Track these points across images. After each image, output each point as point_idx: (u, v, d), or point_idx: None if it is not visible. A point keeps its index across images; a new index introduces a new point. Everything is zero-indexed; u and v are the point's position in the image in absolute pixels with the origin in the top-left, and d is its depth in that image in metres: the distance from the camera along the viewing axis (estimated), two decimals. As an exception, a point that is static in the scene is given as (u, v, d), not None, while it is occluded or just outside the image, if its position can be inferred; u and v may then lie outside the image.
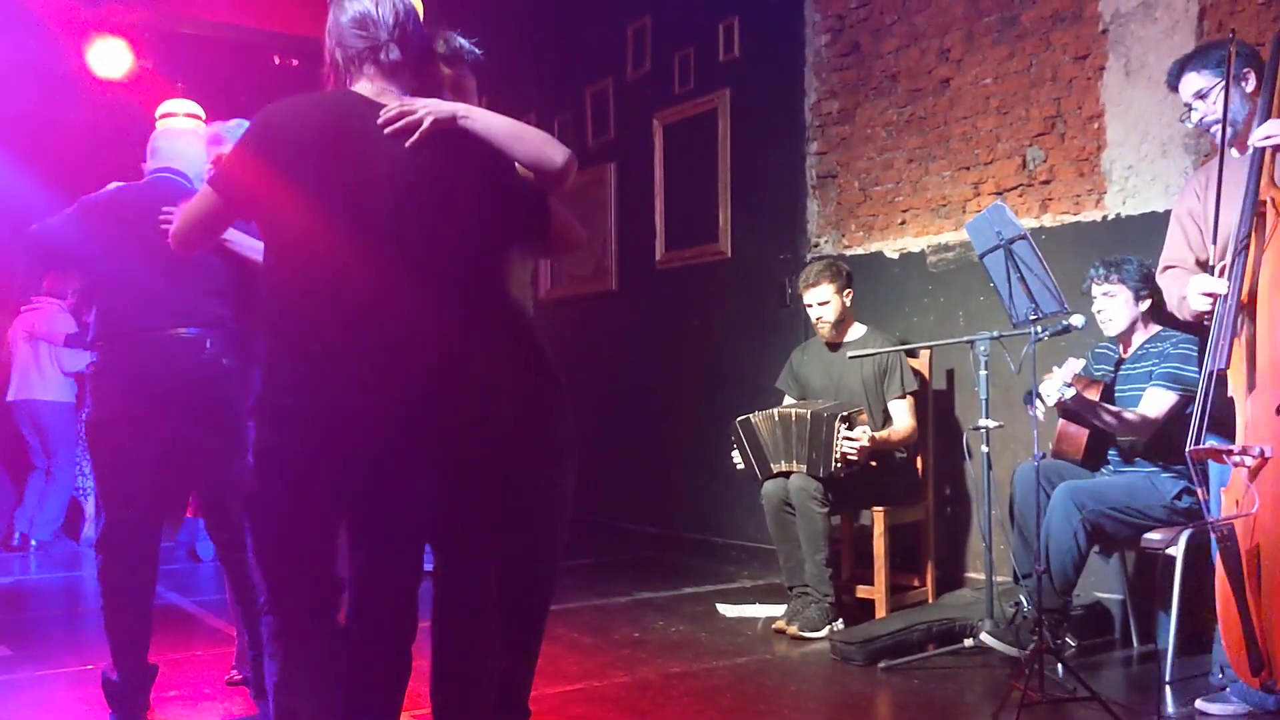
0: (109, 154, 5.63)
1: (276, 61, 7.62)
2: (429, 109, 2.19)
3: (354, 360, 2.13)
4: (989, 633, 3.71)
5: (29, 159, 6.59)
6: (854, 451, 4.15)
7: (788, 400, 4.68)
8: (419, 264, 2.17)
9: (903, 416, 4.45)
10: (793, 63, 5.56)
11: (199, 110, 3.63)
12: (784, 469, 4.34)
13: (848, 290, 4.54)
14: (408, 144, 2.16)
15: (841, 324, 4.56)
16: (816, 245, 5.46)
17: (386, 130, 2.16)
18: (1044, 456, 3.60)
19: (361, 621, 2.25)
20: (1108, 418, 3.65)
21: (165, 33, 6.78)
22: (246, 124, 2.38)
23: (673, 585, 5.23)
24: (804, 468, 4.24)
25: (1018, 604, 3.77)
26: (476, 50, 2.50)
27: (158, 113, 3.62)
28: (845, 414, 4.18)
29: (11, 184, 6.38)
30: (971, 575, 4.69)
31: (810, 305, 4.55)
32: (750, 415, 4.44)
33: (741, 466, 4.48)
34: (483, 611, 2.39)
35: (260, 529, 2.23)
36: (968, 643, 3.81)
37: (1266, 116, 2.89)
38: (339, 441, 2.16)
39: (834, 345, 4.60)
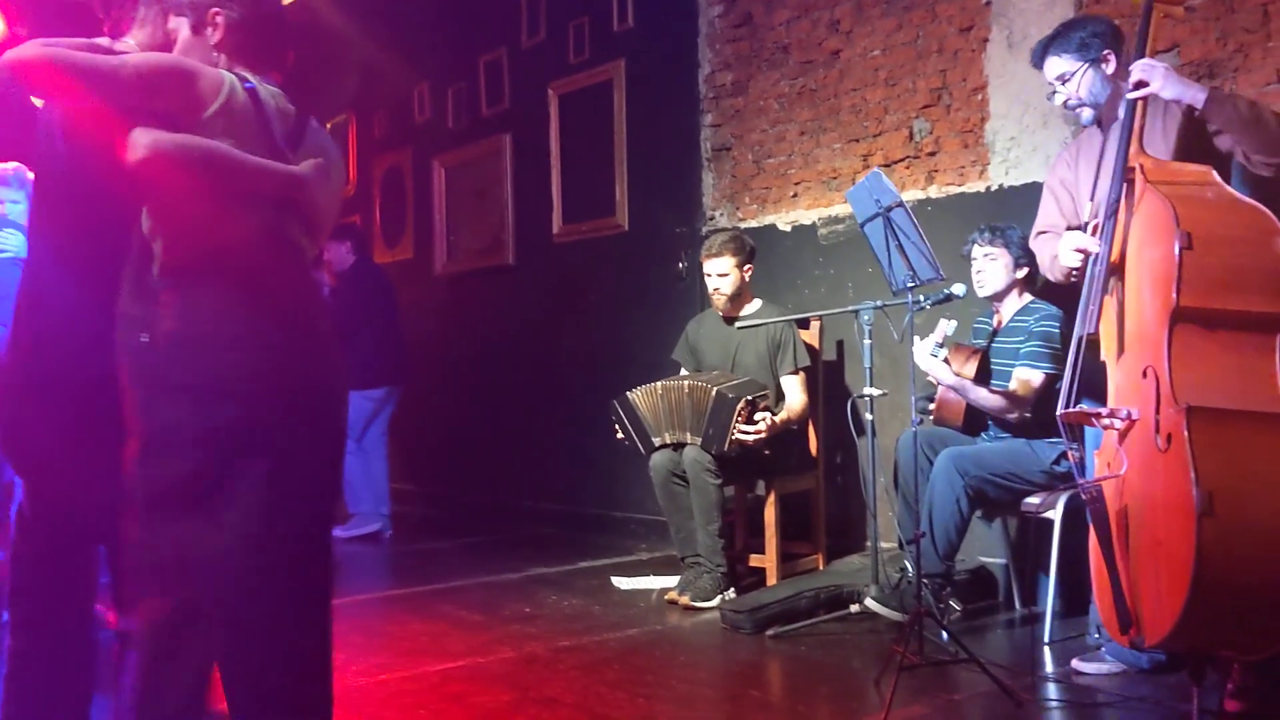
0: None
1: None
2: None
3: None
4: (874, 598, 3.75)
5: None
6: (750, 437, 4.15)
7: (683, 372, 4.66)
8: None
9: (795, 392, 4.45)
10: (686, 33, 5.53)
11: None
12: (674, 440, 4.32)
13: (748, 266, 4.53)
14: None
15: (738, 298, 4.55)
16: (712, 218, 5.44)
17: None
18: (921, 423, 3.65)
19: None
20: (977, 397, 3.73)
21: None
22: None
23: (568, 560, 5.20)
24: (698, 440, 4.22)
25: (903, 569, 3.82)
26: None
27: None
28: (750, 398, 4.17)
29: None
30: (862, 543, 4.74)
31: (710, 275, 4.53)
32: (629, 392, 4.43)
33: (627, 442, 4.47)
34: None
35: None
36: (854, 609, 3.85)
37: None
38: None
39: (729, 319, 4.59)
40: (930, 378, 3.85)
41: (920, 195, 4.53)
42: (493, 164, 6.73)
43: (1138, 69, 2.87)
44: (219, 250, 2.05)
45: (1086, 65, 3.13)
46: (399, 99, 7.49)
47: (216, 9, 2.19)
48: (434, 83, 7.19)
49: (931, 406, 3.94)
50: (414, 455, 7.52)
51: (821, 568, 4.57)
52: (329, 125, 8.11)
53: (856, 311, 3.79)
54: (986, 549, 4.23)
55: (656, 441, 4.39)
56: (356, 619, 4.07)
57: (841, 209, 4.83)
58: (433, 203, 7.25)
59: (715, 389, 4.18)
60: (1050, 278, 3.32)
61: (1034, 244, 3.40)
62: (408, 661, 3.49)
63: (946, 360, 3.78)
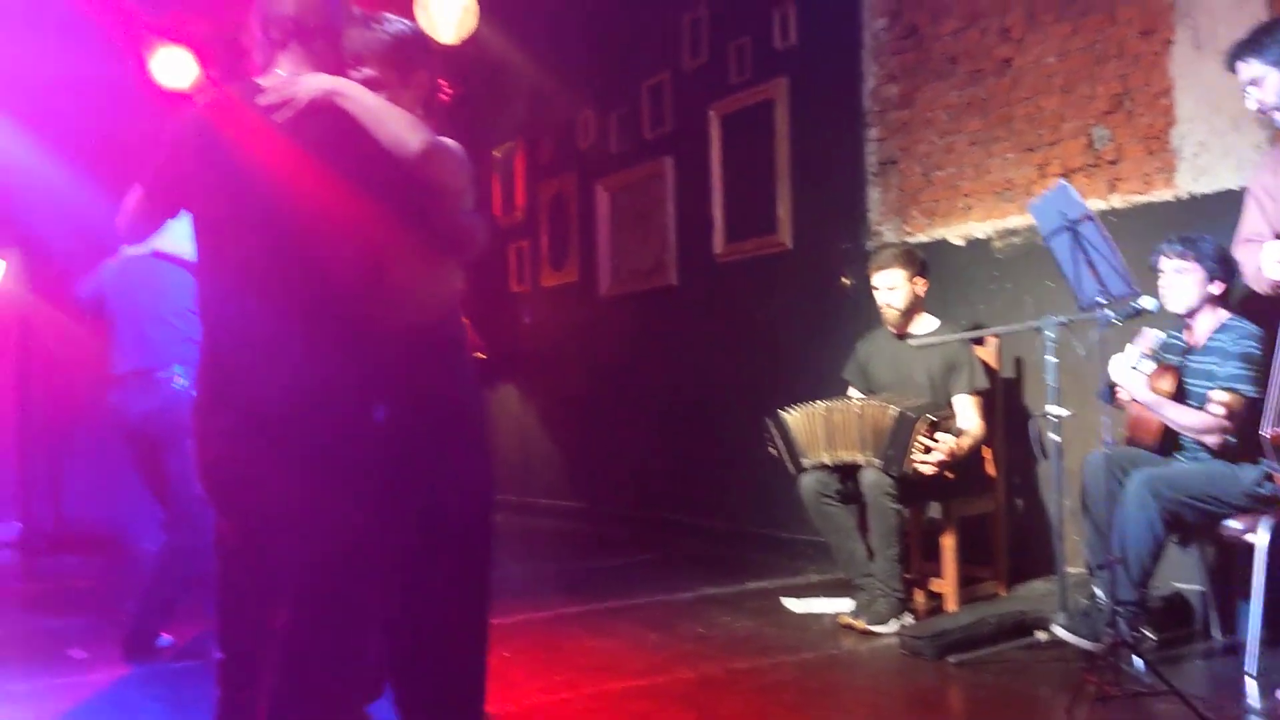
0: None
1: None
2: (305, 85, 2.19)
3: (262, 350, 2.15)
4: (1062, 625, 3.60)
5: (93, 170, 6.73)
6: (932, 458, 4.06)
7: (852, 391, 4.60)
8: (312, 242, 2.17)
9: (970, 415, 4.32)
10: (850, 48, 5.48)
11: None
12: (836, 460, 4.27)
13: (920, 279, 4.44)
14: (278, 118, 2.15)
15: (910, 313, 4.47)
16: (878, 233, 5.37)
17: (262, 104, 2.17)
18: (1113, 443, 3.50)
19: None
20: (1175, 416, 3.55)
21: (229, 42, 6.86)
22: None
23: (738, 580, 5.18)
24: (876, 461, 4.15)
25: (1092, 596, 3.67)
26: (384, 38, 2.46)
27: None
28: (932, 418, 4.07)
29: (77, 195, 6.53)
30: (1045, 568, 4.57)
31: (878, 289, 4.46)
32: (783, 410, 4.40)
33: (779, 459, 4.45)
34: None
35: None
36: (1040, 636, 3.72)
37: None
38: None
39: (901, 336, 4.50)
40: (1124, 393, 3.67)
41: (1102, 205, 4.36)
42: (655, 186, 6.80)
43: None
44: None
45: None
46: (564, 125, 7.65)
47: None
48: (597, 108, 7.31)
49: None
50: (581, 473, 7.65)
51: (1003, 593, 4.43)
52: (497, 153, 8.34)
53: (1039, 328, 3.66)
54: (1181, 575, 4.02)
55: (806, 462, 4.34)
56: (535, 636, 4.15)
57: (1017, 220, 4.70)
58: (596, 226, 7.36)
59: (895, 408, 4.11)
60: (1255, 288, 3.14)
61: (1237, 252, 3.22)
62: (588, 679, 3.54)
63: (1147, 375, 3.61)
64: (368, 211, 2.19)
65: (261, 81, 2.25)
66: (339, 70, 2.35)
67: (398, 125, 2.20)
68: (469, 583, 2.50)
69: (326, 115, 2.17)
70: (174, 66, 6.93)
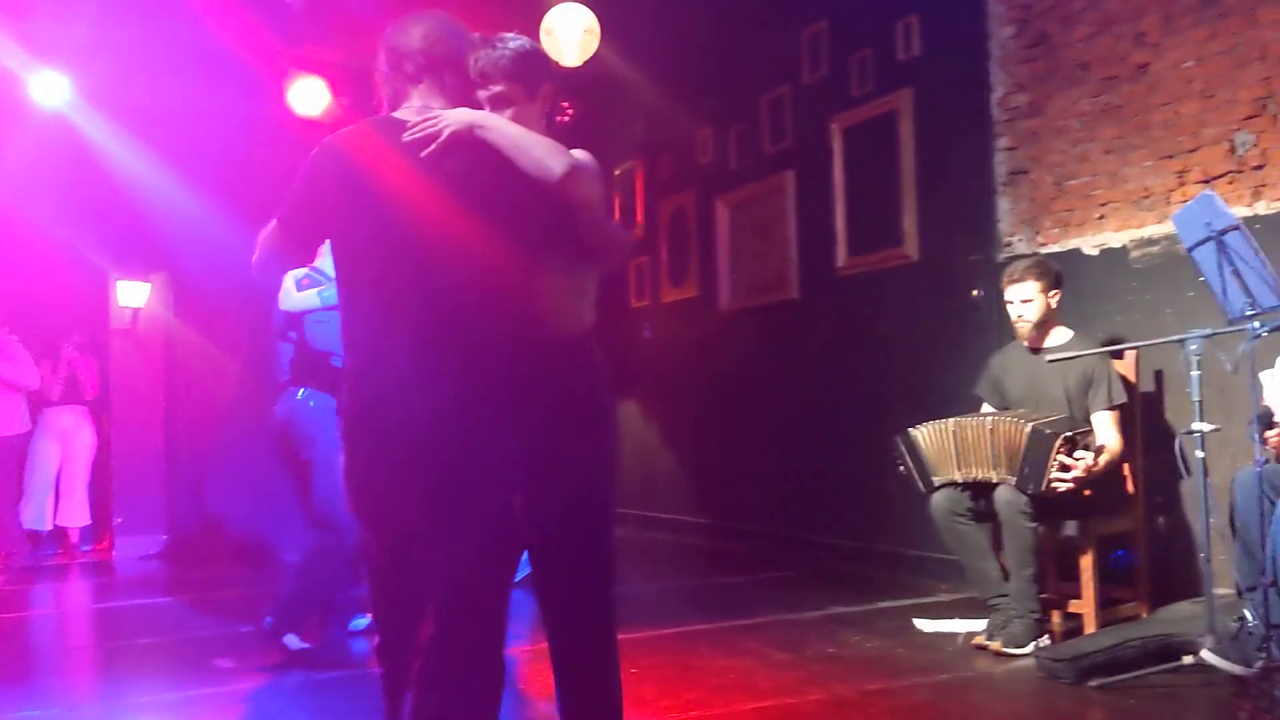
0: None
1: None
2: (448, 120, 2.23)
3: (423, 367, 2.19)
4: (1211, 649, 3.46)
5: (232, 196, 7.02)
6: (1069, 476, 3.96)
7: (986, 408, 4.51)
8: (451, 271, 2.21)
9: (1107, 431, 4.19)
10: (977, 57, 5.39)
11: None
12: (967, 478, 4.19)
13: (1054, 291, 4.33)
14: (423, 154, 2.20)
15: (1044, 326, 4.36)
16: (1009, 244, 5.26)
17: (405, 140, 2.22)
18: (1266, 462, 3.36)
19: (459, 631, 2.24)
20: None
21: (359, 71, 7.09)
22: None
23: (867, 599, 5.12)
24: (1010, 478, 4.06)
25: (1242, 618, 3.52)
26: (507, 55, 2.50)
27: None
28: (1069, 434, 3.97)
29: (217, 222, 6.81)
30: (1188, 589, 4.40)
31: (1011, 302, 4.37)
32: (913, 428, 4.35)
33: (909, 478, 4.40)
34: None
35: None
36: (1187, 660, 3.59)
37: None
38: (430, 450, 2.19)
39: (1035, 349, 4.40)
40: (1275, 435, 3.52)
41: (1246, 212, 4.20)
42: (775, 200, 6.78)
43: None
44: None
45: None
46: (683, 143, 7.69)
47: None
48: (716, 125, 7.34)
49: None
50: (703, 489, 7.65)
51: (1144, 615, 4.28)
52: (617, 171, 8.42)
53: (1183, 341, 3.54)
54: (1339, 598, 3.83)
55: (937, 480, 4.27)
56: (665, 653, 4.17)
57: (1156, 229, 4.56)
58: (716, 241, 7.38)
59: (1029, 425, 4.01)
60: None
61: None
62: (720, 698, 3.54)
63: None
64: (508, 240, 2.25)
65: (399, 115, 2.32)
66: (468, 96, 2.42)
67: (540, 152, 2.26)
68: (599, 590, 2.59)
69: (469, 148, 2.24)
70: (309, 95, 7.21)
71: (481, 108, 2.44)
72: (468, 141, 2.24)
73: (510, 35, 2.56)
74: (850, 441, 6.15)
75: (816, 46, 6.41)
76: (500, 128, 2.28)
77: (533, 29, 5.85)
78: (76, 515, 7.90)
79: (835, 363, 6.32)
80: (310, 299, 4.38)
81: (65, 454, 7.85)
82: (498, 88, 2.49)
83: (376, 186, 2.24)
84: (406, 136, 2.23)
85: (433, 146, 2.21)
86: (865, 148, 6.05)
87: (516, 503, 2.27)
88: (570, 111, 7.88)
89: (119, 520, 8.02)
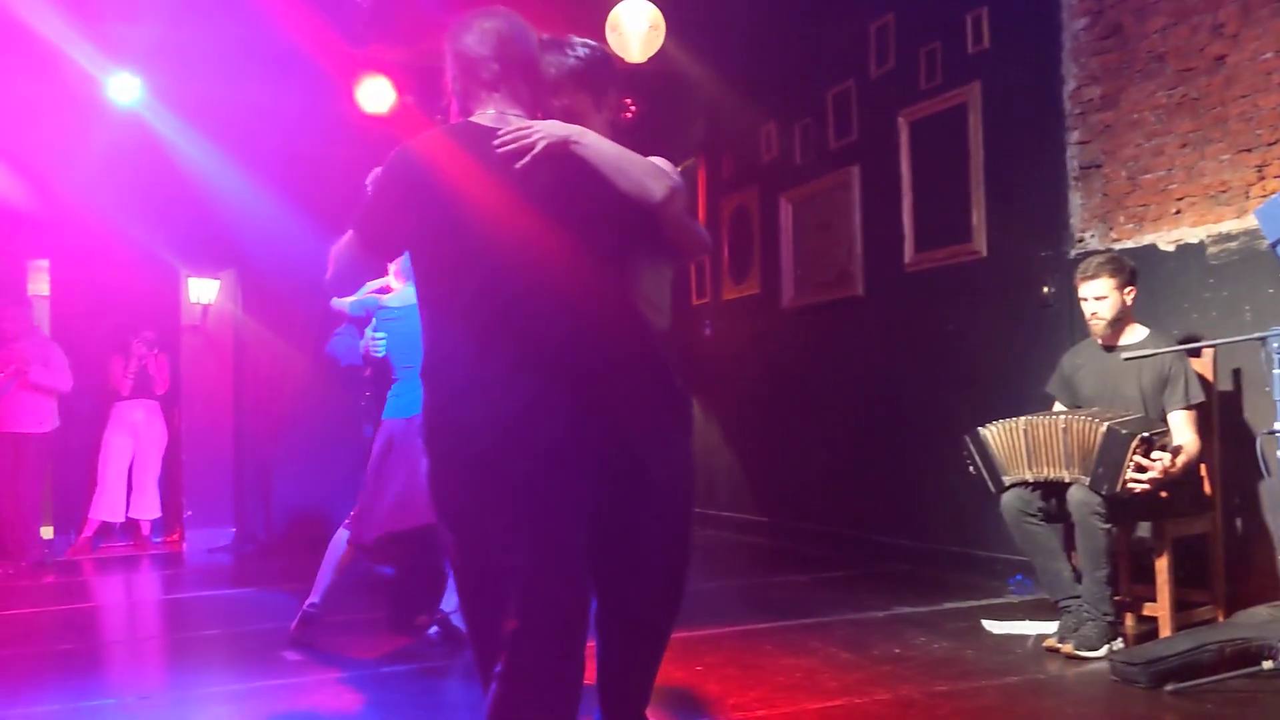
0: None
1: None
2: (542, 132, 2.21)
3: (513, 365, 2.19)
4: (1293, 656, 3.38)
5: (300, 195, 7.11)
6: (1145, 477, 3.87)
7: (1058, 407, 4.42)
8: (532, 280, 2.20)
9: (1185, 431, 4.08)
10: (1048, 49, 5.29)
11: None
12: (1038, 477, 4.12)
13: (1129, 288, 4.24)
14: (518, 165, 2.19)
15: (1119, 324, 4.27)
16: (1081, 240, 5.16)
17: (500, 150, 2.19)
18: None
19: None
20: None
21: (424, 70, 7.15)
22: None
23: (933, 600, 5.05)
24: (1084, 479, 3.98)
25: (1325, 625, 3.42)
26: (576, 64, 2.49)
27: None
28: (1146, 434, 3.89)
29: (285, 220, 6.91)
30: (1268, 592, 4.28)
31: (1085, 300, 4.28)
32: (983, 427, 4.27)
33: (978, 478, 4.33)
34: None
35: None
36: (1266, 665, 3.48)
37: None
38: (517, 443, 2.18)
39: (1109, 347, 4.31)
40: None
41: (1330, 207, 4.07)
42: (840, 196, 6.72)
43: None
44: None
45: None
46: (746, 139, 7.65)
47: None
48: (780, 121, 7.29)
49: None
50: (764, 487, 7.61)
51: (1221, 619, 4.17)
52: (679, 168, 8.40)
53: (1264, 339, 3.44)
54: None
55: (1008, 480, 4.20)
56: (728, 651, 4.14)
57: (1234, 225, 4.44)
58: (779, 238, 7.32)
59: (1104, 424, 3.93)
60: None
61: None
62: (785, 698, 3.51)
63: None
64: (592, 251, 2.25)
65: (478, 121, 2.31)
66: (538, 102, 2.40)
67: (639, 173, 2.26)
68: (666, 600, 2.60)
69: (557, 160, 2.23)
70: (376, 94, 7.29)
71: (553, 115, 2.41)
72: (560, 154, 2.23)
73: (577, 41, 2.55)
74: (916, 441, 6.07)
75: (883, 39, 6.33)
76: (598, 145, 2.27)
77: (598, 24, 5.85)
78: (148, 508, 8.06)
79: (901, 361, 6.25)
80: (344, 306, 4.47)
81: (137, 448, 8.01)
82: (566, 99, 2.48)
83: (457, 196, 2.22)
84: (499, 148, 2.22)
85: (526, 159, 2.21)
86: (933, 142, 5.97)
87: (592, 508, 2.26)
88: (633, 109, 7.87)
89: (189, 513, 8.18)
